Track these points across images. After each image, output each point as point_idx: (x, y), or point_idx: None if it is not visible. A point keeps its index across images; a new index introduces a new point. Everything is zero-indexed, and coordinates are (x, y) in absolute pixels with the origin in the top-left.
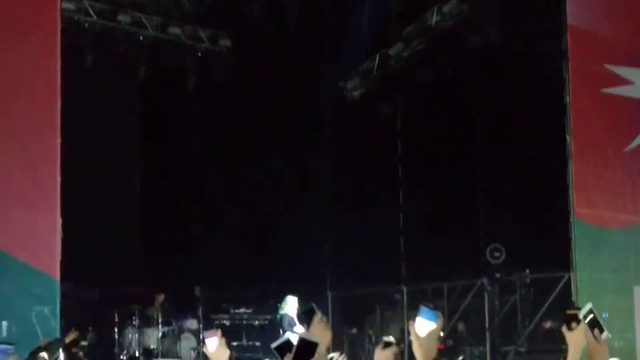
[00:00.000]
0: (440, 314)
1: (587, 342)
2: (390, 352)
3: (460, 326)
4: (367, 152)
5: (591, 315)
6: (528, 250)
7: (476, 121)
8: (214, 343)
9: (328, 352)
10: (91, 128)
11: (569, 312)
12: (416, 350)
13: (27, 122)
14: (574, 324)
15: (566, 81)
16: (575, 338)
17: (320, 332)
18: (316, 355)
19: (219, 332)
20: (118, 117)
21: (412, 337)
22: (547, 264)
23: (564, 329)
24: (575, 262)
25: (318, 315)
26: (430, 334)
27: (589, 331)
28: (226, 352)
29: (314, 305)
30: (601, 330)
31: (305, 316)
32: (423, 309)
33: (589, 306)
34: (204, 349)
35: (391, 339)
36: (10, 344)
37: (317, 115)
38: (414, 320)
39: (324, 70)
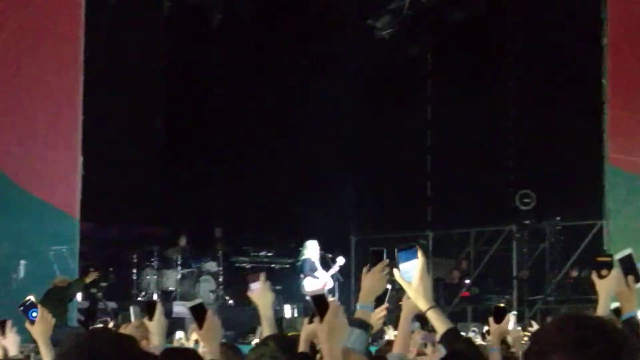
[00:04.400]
0: (416, 244)
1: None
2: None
3: (487, 274)
4: (395, 92)
5: (628, 260)
6: (559, 196)
7: (509, 63)
8: (257, 287)
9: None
10: (114, 66)
11: (600, 258)
12: (415, 298)
13: (50, 60)
14: (604, 271)
15: (604, 22)
16: (606, 286)
17: (375, 280)
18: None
19: (262, 275)
20: (141, 54)
21: (405, 288)
22: (578, 211)
23: (594, 276)
24: (608, 210)
25: (384, 264)
26: (418, 275)
27: (621, 277)
28: (270, 295)
29: (384, 250)
30: (637, 279)
31: (372, 257)
32: (400, 254)
33: (628, 251)
34: (248, 293)
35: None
36: (25, 302)
37: (345, 53)
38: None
39: (352, 8)
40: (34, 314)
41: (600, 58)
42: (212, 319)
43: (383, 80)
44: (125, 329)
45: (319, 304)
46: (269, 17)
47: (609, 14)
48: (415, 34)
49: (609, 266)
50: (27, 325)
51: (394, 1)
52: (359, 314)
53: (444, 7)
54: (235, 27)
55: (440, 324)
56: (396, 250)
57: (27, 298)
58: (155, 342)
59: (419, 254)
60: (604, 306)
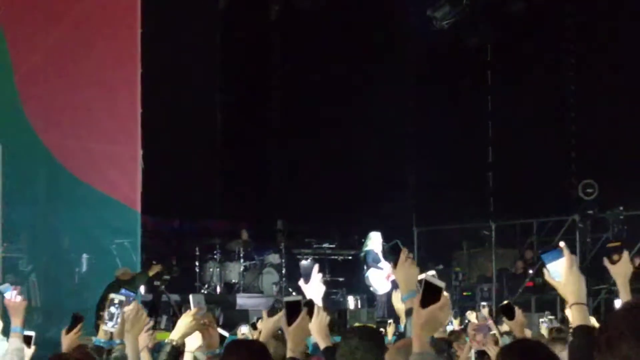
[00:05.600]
0: (562, 245)
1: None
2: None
3: None
4: (456, 83)
5: None
6: (622, 186)
7: (569, 52)
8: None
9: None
10: (172, 59)
11: (610, 244)
12: (564, 294)
13: (108, 55)
14: (615, 256)
15: None
16: (620, 270)
17: (406, 270)
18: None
19: (316, 266)
20: (198, 47)
21: (556, 287)
22: None
23: (607, 262)
24: None
25: (405, 252)
26: (567, 272)
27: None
28: (322, 288)
29: (398, 242)
30: None
31: (391, 253)
32: (544, 256)
33: None
34: (300, 283)
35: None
36: (133, 291)
37: (404, 44)
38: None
39: None
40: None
41: None
42: (305, 319)
43: (443, 71)
44: (185, 317)
45: (427, 289)
46: (327, 9)
47: None
48: (475, 25)
49: (620, 250)
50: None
51: None
52: (408, 304)
53: None
54: (293, 19)
55: (576, 319)
56: (540, 253)
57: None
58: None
59: (565, 252)
60: (625, 290)
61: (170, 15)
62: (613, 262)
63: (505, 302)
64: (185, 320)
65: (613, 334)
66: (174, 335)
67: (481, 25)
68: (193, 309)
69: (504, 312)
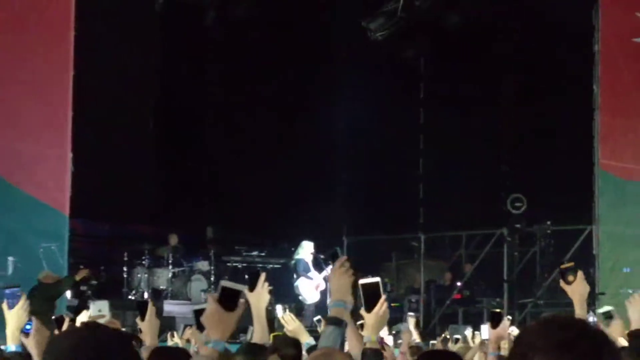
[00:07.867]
0: None
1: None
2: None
3: (478, 277)
4: (388, 95)
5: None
6: (550, 201)
7: (501, 68)
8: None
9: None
10: (105, 61)
11: (564, 266)
12: None
13: (39, 54)
14: (571, 277)
15: (596, 29)
16: (577, 289)
17: (337, 278)
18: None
19: (263, 275)
20: (133, 51)
21: None
22: (569, 215)
23: (562, 283)
24: (598, 215)
25: (341, 261)
26: None
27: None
28: (267, 297)
29: (338, 249)
30: None
31: (332, 260)
32: None
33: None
34: (245, 291)
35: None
36: (15, 286)
37: (339, 55)
38: None
39: (347, 9)
40: (28, 327)
41: (591, 64)
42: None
43: (377, 82)
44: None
45: (224, 294)
46: (263, 16)
47: (600, 21)
48: (409, 37)
49: (574, 271)
50: (22, 338)
51: (389, 3)
52: (332, 312)
53: (438, 11)
54: (229, 25)
55: None
56: None
57: None
58: (147, 342)
59: None
60: (581, 308)
61: (104, 18)
62: (569, 283)
63: (497, 309)
64: None
65: (528, 347)
66: None
67: (415, 38)
68: (93, 317)
69: (491, 319)
